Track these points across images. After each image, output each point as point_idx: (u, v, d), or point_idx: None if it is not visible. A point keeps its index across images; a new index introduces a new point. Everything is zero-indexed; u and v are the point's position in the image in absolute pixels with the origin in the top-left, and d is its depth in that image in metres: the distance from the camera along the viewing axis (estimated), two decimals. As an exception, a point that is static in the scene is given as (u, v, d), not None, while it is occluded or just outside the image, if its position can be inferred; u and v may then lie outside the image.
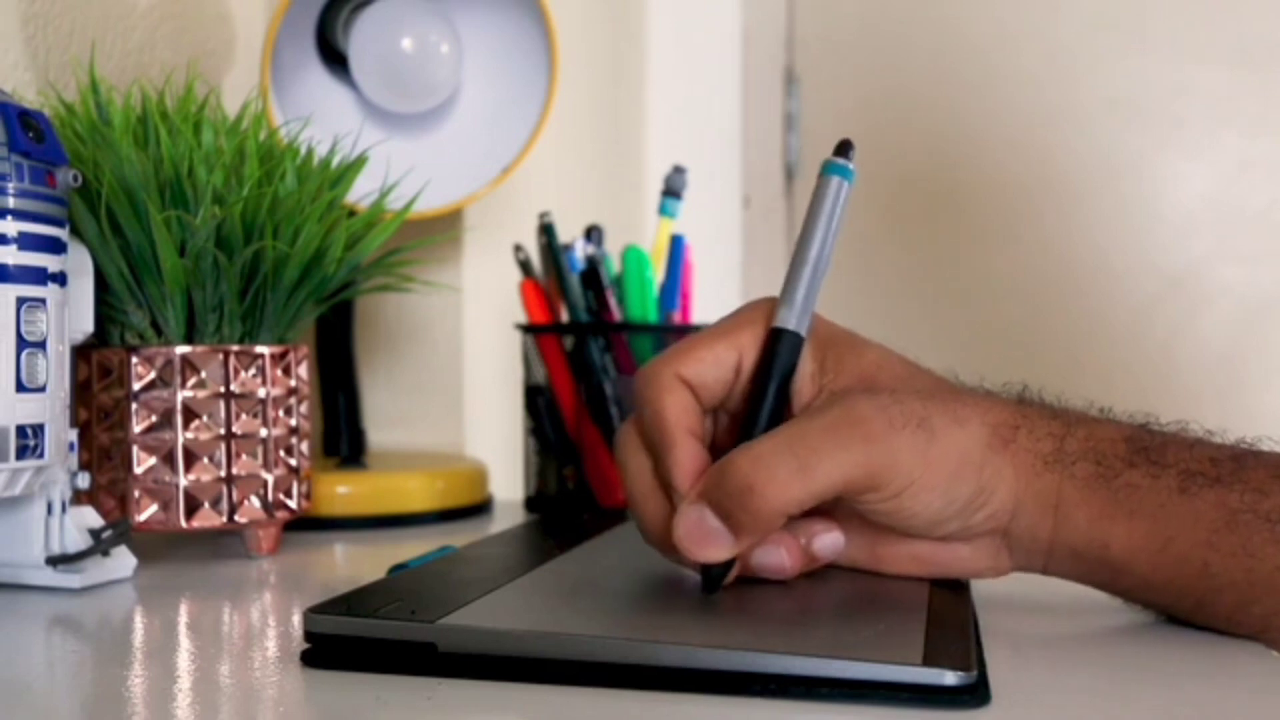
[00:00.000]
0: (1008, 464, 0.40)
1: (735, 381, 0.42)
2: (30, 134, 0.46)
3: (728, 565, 0.40)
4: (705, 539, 0.39)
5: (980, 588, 0.45)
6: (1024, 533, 0.41)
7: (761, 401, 0.41)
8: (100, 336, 0.55)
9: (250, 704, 0.33)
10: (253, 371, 0.56)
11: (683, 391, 0.41)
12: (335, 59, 0.75)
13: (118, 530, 0.50)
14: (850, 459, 0.38)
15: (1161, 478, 0.40)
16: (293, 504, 0.58)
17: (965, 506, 0.40)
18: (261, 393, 0.56)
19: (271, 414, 0.57)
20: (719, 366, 0.42)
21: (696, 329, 0.73)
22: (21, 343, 0.46)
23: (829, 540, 0.42)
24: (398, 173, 0.67)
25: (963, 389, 0.43)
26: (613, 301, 0.71)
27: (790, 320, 0.41)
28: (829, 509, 0.42)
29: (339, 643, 0.36)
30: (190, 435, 0.54)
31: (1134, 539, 0.40)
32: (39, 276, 0.46)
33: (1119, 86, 1.62)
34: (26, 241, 0.46)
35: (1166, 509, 0.39)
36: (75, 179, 0.48)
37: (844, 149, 0.42)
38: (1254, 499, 0.39)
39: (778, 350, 0.41)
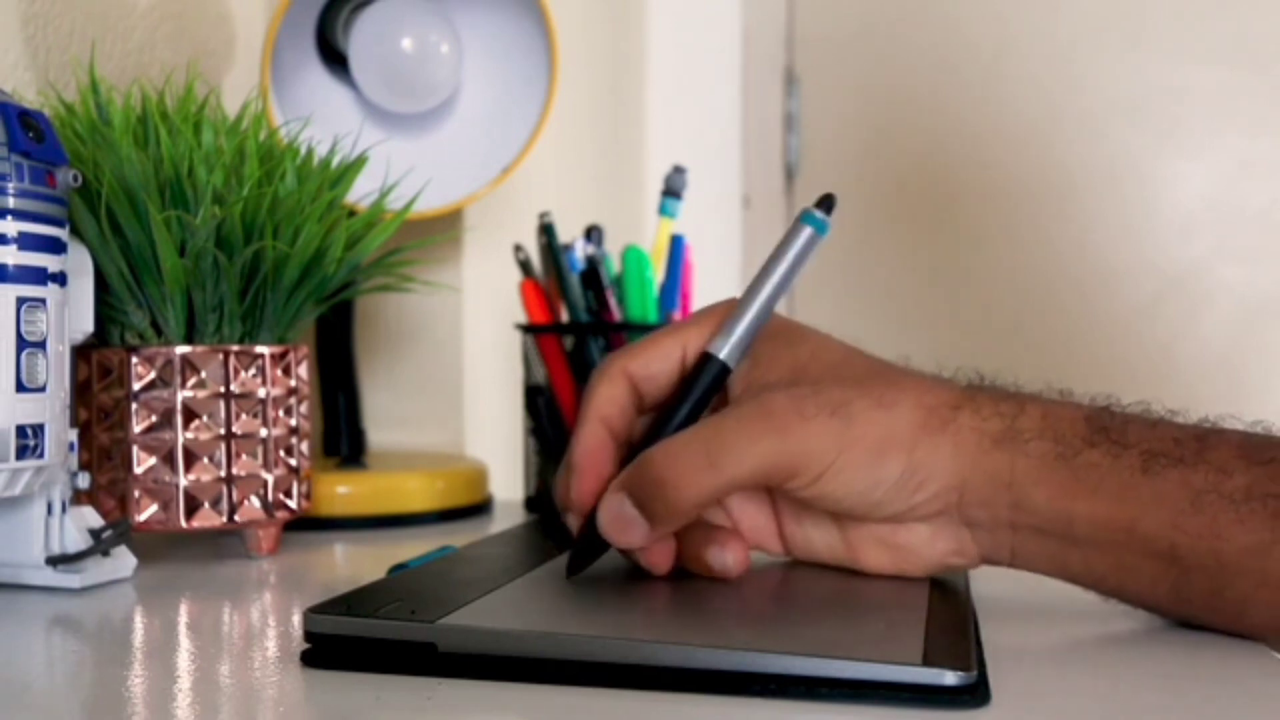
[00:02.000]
0: (946, 443, 0.40)
1: (680, 375, 0.44)
2: (30, 134, 0.46)
3: (597, 553, 0.43)
4: (624, 525, 0.41)
5: (980, 588, 0.45)
6: (980, 512, 0.41)
7: (673, 413, 0.43)
8: (100, 336, 0.55)
9: (250, 704, 0.33)
10: (253, 371, 0.56)
11: (618, 384, 0.44)
12: (335, 59, 0.75)
13: (118, 530, 0.50)
14: (759, 450, 0.40)
15: (1123, 457, 0.39)
16: (293, 504, 0.58)
17: (898, 486, 0.40)
18: (261, 393, 0.56)
19: (271, 414, 0.57)
20: (664, 360, 0.44)
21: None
22: (21, 343, 0.46)
23: (720, 556, 0.43)
24: (398, 173, 0.67)
25: (904, 373, 0.43)
26: (613, 301, 0.71)
27: (723, 350, 0.43)
28: (796, 504, 0.44)
29: (339, 643, 0.36)
30: (190, 435, 0.54)
31: (1098, 518, 0.39)
32: (39, 276, 0.46)
33: (1119, 87, 1.62)
34: (26, 241, 0.46)
35: (1129, 489, 0.39)
36: (75, 179, 0.48)
37: (827, 203, 0.43)
38: (1218, 479, 0.38)
39: (702, 373, 0.43)
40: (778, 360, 0.43)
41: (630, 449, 0.44)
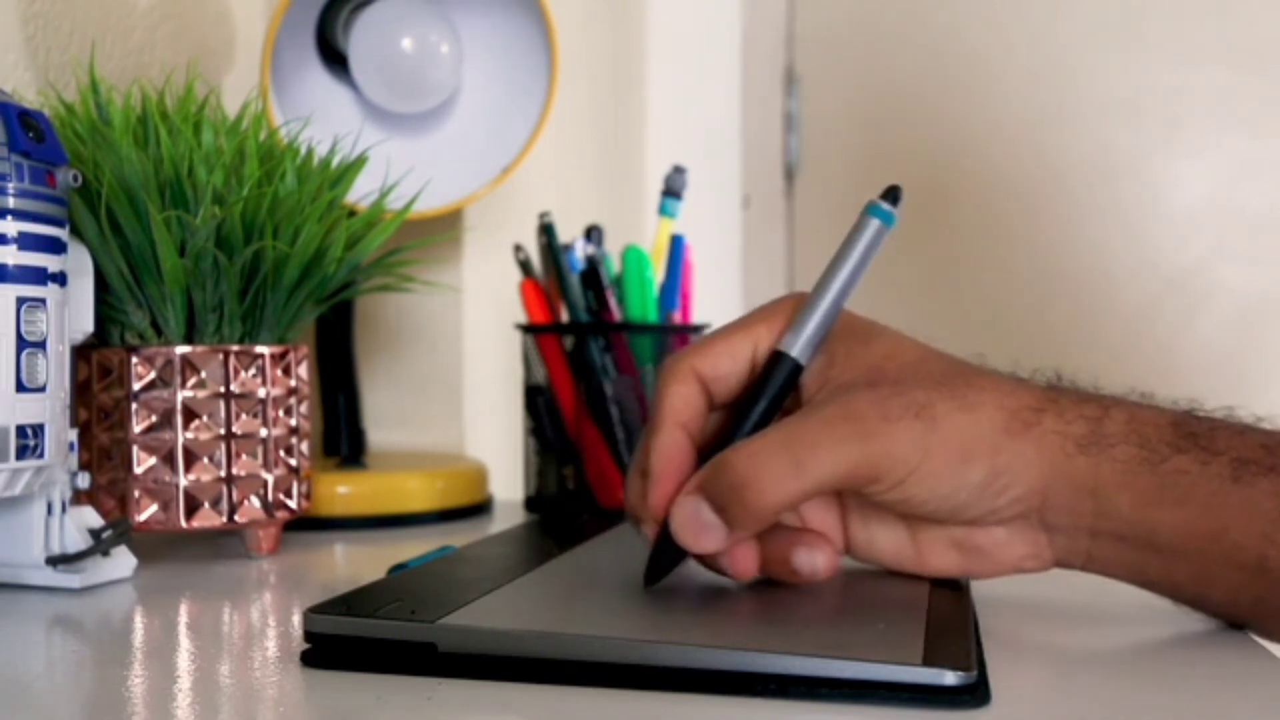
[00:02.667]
0: (1029, 446, 0.39)
1: (751, 374, 0.43)
2: (30, 134, 0.46)
3: (674, 563, 0.41)
4: (700, 530, 0.40)
5: (980, 588, 0.45)
6: (1061, 517, 0.40)
7: (746, 416, 0.42)
8: (100, 336, 0.55)
9: (250, 704, 0.33)
10: (253, 371, 0.56)
11: (690, 384, 0.42)
12: (335, 59, 0.75)
13: (118, 530, 0.50)
14: (844, 454, 0.39)
15: (1212, 464, 0.38)
16: (293, 504, 0.58)
17: (981, 490, 0.39)
18: (261, 393, 0.56)
19: (271, 414, 0.57)
20: (734, 360, 0.42)
21: (697, 329, 0.74)
22: (21, 343, 0.46)
23: (808, 558, 0.42)
24: (398, 173, 0.67)
25: (983, 373, 0.42)
26: (613, 301, 0.71)
27: (794, 347, 0.42)
28: (865, 507, 0.43)
29: (339, 643, 0.36)
30: (190, 435, 0.54)
31: (1184, 527, 0.38)
32: (39, 276, 0.46)
33: (1119, 87, 1.62)
34: (26, 241, 0.46)
35: (1219, 498, 0.38)
36: (75, 179, 0.48)
37: (892, 195, 0.42)
38: None
39: (774, 372, 0.42)
40: (853, 359, 0.42)
41: (703, 452, 0.42)
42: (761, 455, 0.39)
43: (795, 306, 0.43)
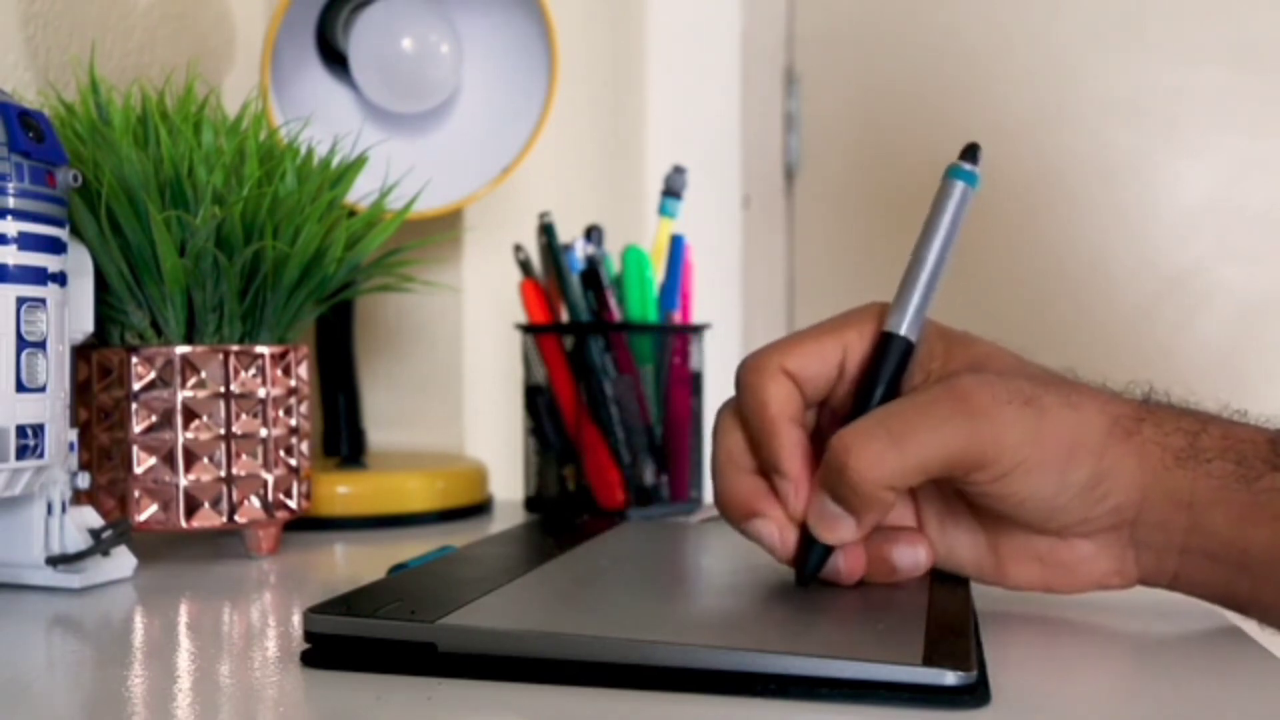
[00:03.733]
0: (1131, 454, 0.38)
1: (838, 379, 0.42)
2: (30, 134, 0.46)
3: (821, 560, 0.41)
4: (831, 522, 0.39)
5: (981, 588, 0.45)
6: (1153, 532, 0.39)
7: (868, 401, 0.41)
8: (100, 336, 0.55)
9: (250, 704, 0.33)
10: (253, 371, 0.56)
11: (786, 382, 0.41)
12: (335, 59, 0.75)
13: (118, 530, 0.50)
14: (951, 432, 0.38)
15: None
16: (293, 504, 0.58)
17: (1083, 494, 0.38)
18: (261, 393, 0.56)
19: (271, 414, 0.57)
20: (823, 362, 0.41)
21: (697, 329, 0.74)
22: (21, 343, 0.46)
23: (910, 554, 0.41)
24: (398, 173, 0.67)
25: (1080, 381, 0.41)
26: (613, 301, 0.71)
27: (902, 325, 0.41)
28: (946, 509, 0.42)
29: (339, 643, 0.36)
30: (190, 435, 0.54)
31: (1277, 546, 0.38)
32: (39, 276, 0.46)
33: (1119, 87, 1.62)
34: (26, 241, 0.46)
35: None
36: (75, 179, 0.48)
37: (971, 153, 0.41)
38: None
39: (887, 354, 0.41)
40: (954, 355, 0.41)
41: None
42: (861, 434, 0.38)
43: (883, 311, 0.42)
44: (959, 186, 0.41)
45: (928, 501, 0.43)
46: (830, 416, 0.43)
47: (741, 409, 0.42)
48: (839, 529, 0.39)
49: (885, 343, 0.41)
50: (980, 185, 0.41)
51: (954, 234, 0.41)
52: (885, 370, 0.41)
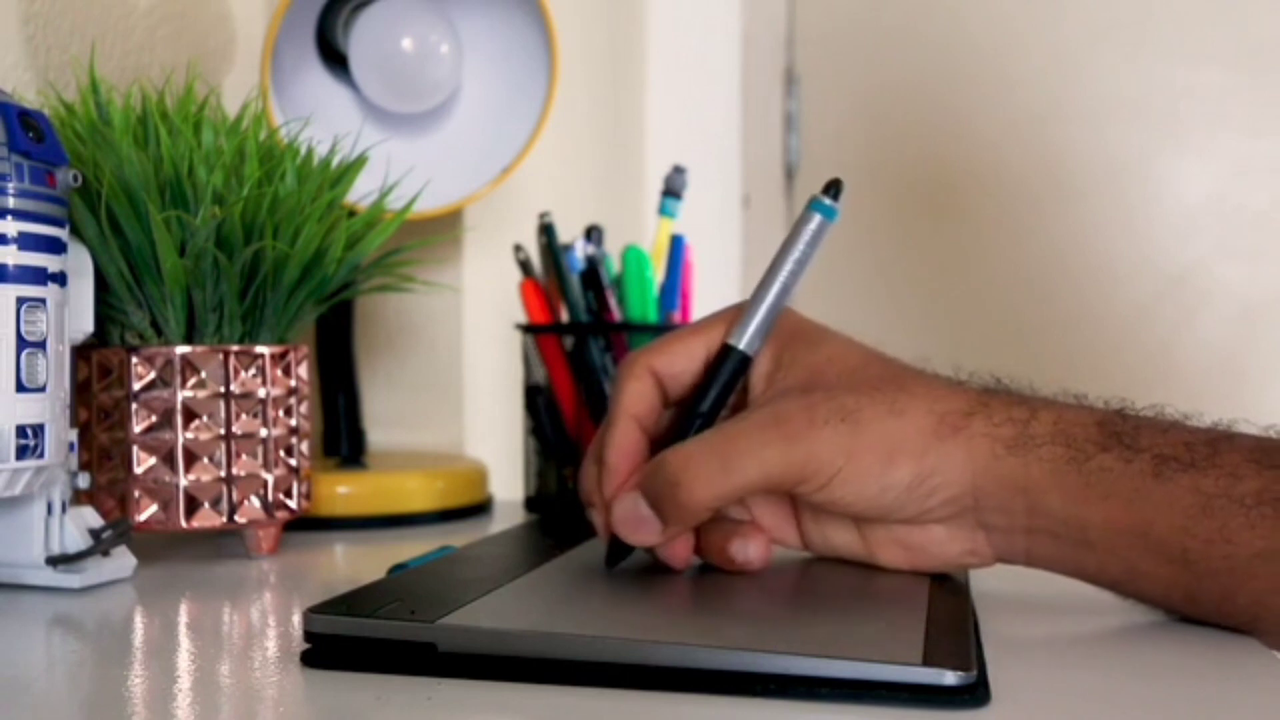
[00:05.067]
0: (959, 449, 0.41)
1: (704, 373, 0.45)
2: (30, 134, 0.46)
3: (629, 548, 0.44)
4: (637, 524, 0.43)
5: (980, 587, 0.45)
6: (996, 517, 0.41)
7: (696, 407, 0.44)
8: (100, 336, 0.55)
9: (250, 704, 0.33)
10: (253, 371, 0.56)
11: (645, 381, 0.45)
12: (335, 59, 0.75)
13: (118, 530, 0.50)
14: (769, 456, 0.41)
15: (1134, 462, 0.40)
16: (293, 504, 0.58)
17: (910, 491, 0.41)
18: (261, 393, 0.56)
19: (271, 414, 0.57)
20: (689, 359, 0.45)
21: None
22: (21, 343, 0.46)
23: (743, 547, 0.44)
24: (398, 173, 0.67)
25: (919, 378, 0.44)
26: (613, 301, 0.71)
27: (741, 340, 0.44)
28: (809, 503, 0.44)
29: (339, 643, 0.36)
30: (190, 435, 0.54)
31: (1111, 523, 0.40)
32: (39, 276, 0.46)
33: (1120, 86, 1.62)
34: (26, 241, 0.46)
35: (1141, 493, 0.39)
36: (75, 179, 0.48)
37: (833, 189, 0.44)
38: (1228, 483, 0.38)
39: (723, 364, 0.44)
40: (796, 364, 0.44)
41: (656, 445, 0.44)
42: (695, 457, 0.41)
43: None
44: (816, 219, 0.44)
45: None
46: (673, 416, 0.46)
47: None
48: (643, 532, 0.43)
49: (724, 354, 0.44)
50: (838, 218, 0.44)
51: (805, 261, 0.44)
52: (718, 381, 0.44)
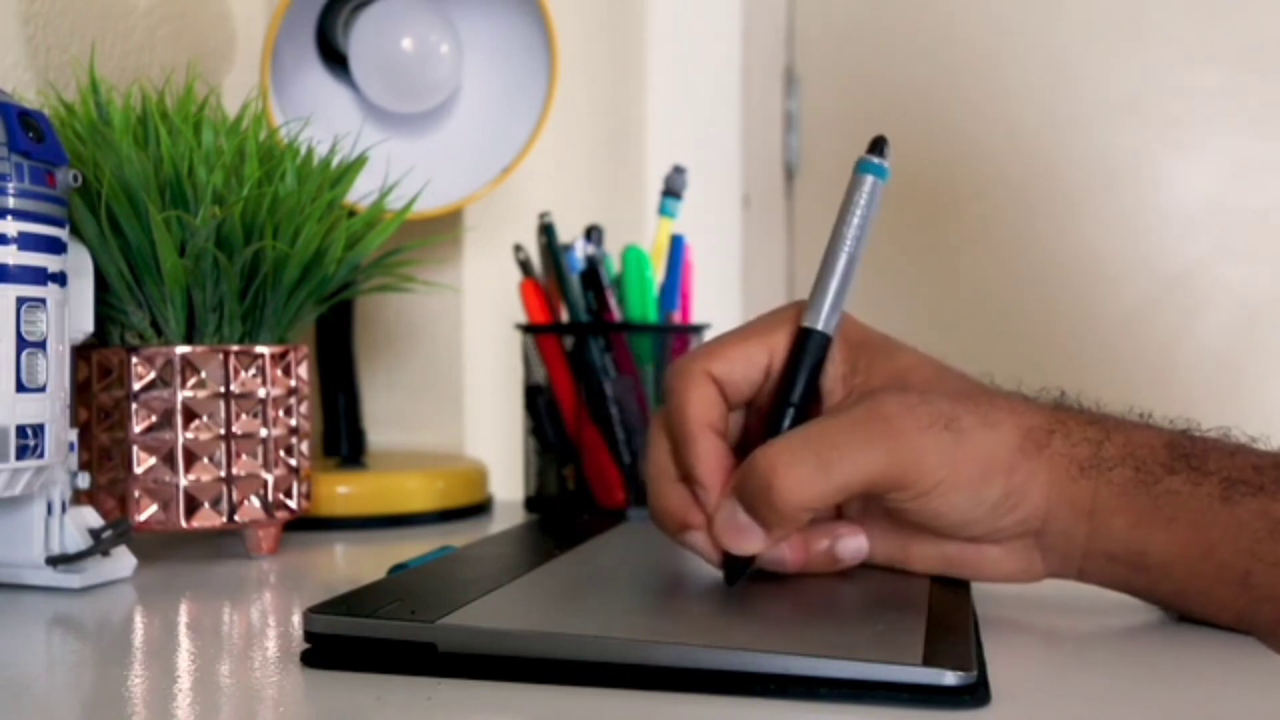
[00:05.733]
0: (1041, 468, 0.40)
1: (764, 382, 0.43)
2: (30, 134, 0.46)
3: (750, 559, 0.41)
4: (738, 533, 0.40)
5: (980, 588, 0.45)
6: (1058, 538, 0.41)
7: (787, 398, 0.41)
8: (100, 336, 0.55)
9: (250, 704, 0.33)
10: (253, 371, 0.56)
11: (708, 387, 0.42)
12: (335, 59, 0.75)
13: (118, 530, 0.50)
14: (873, 457, 0.39)
15: (1203, 485, 0.39)
16: (293, 504, 0.58)
17: (994, 509, 0.40)
18: (261, 393, 0.56)
19: (271, 414, 0.57)
20: (749, 366, 0.42)
21: (697, 329, 0.73)
22: (21, 343, 0.46)
23: (853, 545, 0.42)
24: (398, 173, 0.67)
25: (996, 392, 0.43)
26: (613, 301, 0.71)
27: (818, 320, 0.42)
28: (863, 505, 0.43)
29: (339, 643, 0.36)
30: (190, 435, 0.54)
31: (1173, 547, 0.39)
32: (39, 276, 0.46)
33: (1119, 87, 1.62)
34: (26, 241, 0.46)
35: (1208, 517, 0.39)
36: (75, 179, 0.48)
37: (879, 146, 0.42)
38: None
39: (805, 348, 0.42)
40: (876, 368, 0.42)
41: (735, 453, 0.42)
42: (786, 456, 0.39)
43: (803, 311, 0.43)
44: (868, 180, 0.42)
45: (848, 501, 0.44)
46: (756, 415, 0.44)
47: (665, 416, 0.43)
48: (747, 541, 0.40)
49: (803, 339, 0.42)
50: (889, 178, 0.42)
51: (866, 227, 0.42)
52: (804, 366, 0.42)
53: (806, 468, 0.38)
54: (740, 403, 0.43)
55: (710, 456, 0.41)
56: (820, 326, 0.42)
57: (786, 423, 0.41)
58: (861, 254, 0.42)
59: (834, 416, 0.40)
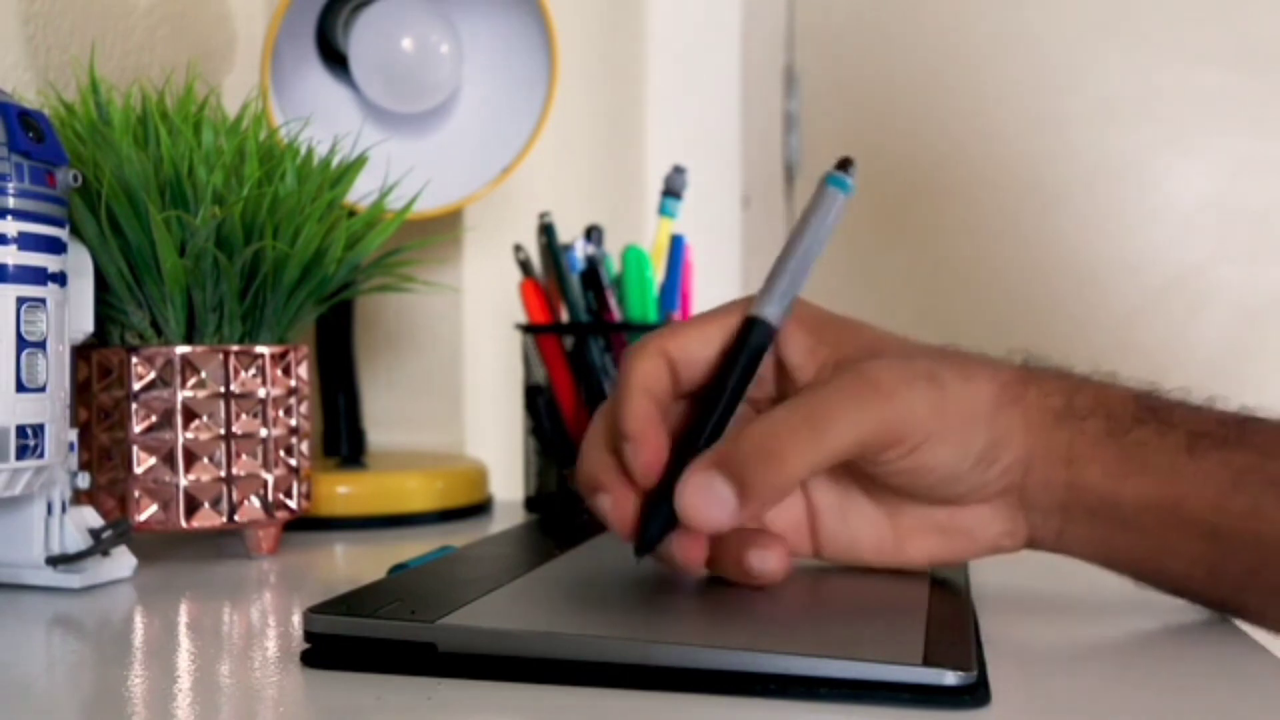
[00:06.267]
0: (1018, 418, 0.40)
1: (720, 362, 0.43)
2: (30, 134, 0.46)
3: (663, 528, 0.41)
4: (710, 504, 0.39)
5: (980, 588, 0.45)
6: (1038, 489, 0.41)
7: (724, 382, 0.41)
8: (100, 336, 0.55)
9: (250, 704, 0.33)
10: (253, 371, 0.56)
11: (657, 361, 0.42)
12: (335, 59, 0.75)
13: (118, 530, 0.50)
14: (866, 417, 0.39)
15: (1169, 436, 0.40)
16: (293, 504, 0.58)
17: (979, 460, 0.40)
18: (261, 393, 0.56)
19: (271, 414, 0.57)
20: (704, 344, 0.42)
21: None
22: (21, 343, 0.46)
23: (767, 557, 0.41)
24: (398, 173, 0.67)
25: (967, 352, 0.43)
26: (613, 301, 0.71)
27: (765, 310, 0.42)
28: (843, 497, 0.43)
29: (339, 642, 0.36)
30: (190, 435, 0.54)
31: (1144, 496, 0.40)
32: (39, 276, 0.46)
33: (1119, 86, 1.62)
34: (26, 241, 0.46)
35: (1175, 467, 0.40)
36: (75, 179, 0.48)
37: (846, 165, 0.43)
38: (1260, 460, 0.39)
39: (748, 337, 0.42)
40: (845, 339, 0.42)
41: (673, 439, 0.42)
42: (782, 423, 0.39)
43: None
44: (832, 193, 0.43)
45: (824, 497, 0.44)
46: (689, 403, 0.43)
47: (613, 390, 0.43)
48: (716, 512, 0.39)
49: (748, 327, 0.42)
50: (853, 193, 0.43)
51: (825, 235, 0.42)
52: (746, 351, 0.41)
53: (801, 435, 0.39)
54: (692, 384, 0.42)
55: (640, 413, 0.41)
56: (764, 315, 0.42)
57: (718, 410, 0.41)
58: (813, 262, 0.43)
59: (818, 388, 0.40)
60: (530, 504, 0.74)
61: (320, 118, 0.69)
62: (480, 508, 0.75)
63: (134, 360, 0.54)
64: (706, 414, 0.41)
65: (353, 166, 0.61)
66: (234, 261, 0.54)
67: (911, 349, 0.43)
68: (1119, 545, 0.42)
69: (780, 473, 0.39)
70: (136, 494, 0.54)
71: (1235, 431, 0.40)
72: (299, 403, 0.59)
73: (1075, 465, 0.40)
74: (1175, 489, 0.40)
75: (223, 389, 0.55)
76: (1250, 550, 0.39)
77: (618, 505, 0.41)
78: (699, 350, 0.42)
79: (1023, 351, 0.44)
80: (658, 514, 0.40)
